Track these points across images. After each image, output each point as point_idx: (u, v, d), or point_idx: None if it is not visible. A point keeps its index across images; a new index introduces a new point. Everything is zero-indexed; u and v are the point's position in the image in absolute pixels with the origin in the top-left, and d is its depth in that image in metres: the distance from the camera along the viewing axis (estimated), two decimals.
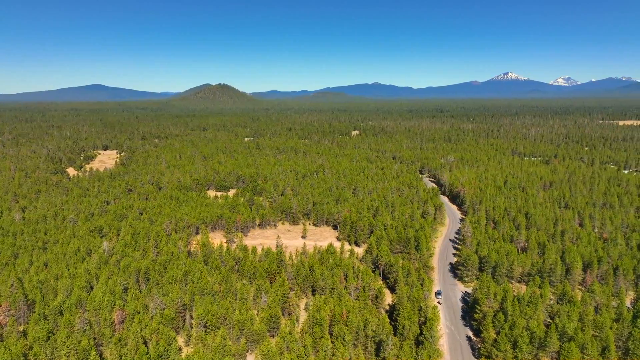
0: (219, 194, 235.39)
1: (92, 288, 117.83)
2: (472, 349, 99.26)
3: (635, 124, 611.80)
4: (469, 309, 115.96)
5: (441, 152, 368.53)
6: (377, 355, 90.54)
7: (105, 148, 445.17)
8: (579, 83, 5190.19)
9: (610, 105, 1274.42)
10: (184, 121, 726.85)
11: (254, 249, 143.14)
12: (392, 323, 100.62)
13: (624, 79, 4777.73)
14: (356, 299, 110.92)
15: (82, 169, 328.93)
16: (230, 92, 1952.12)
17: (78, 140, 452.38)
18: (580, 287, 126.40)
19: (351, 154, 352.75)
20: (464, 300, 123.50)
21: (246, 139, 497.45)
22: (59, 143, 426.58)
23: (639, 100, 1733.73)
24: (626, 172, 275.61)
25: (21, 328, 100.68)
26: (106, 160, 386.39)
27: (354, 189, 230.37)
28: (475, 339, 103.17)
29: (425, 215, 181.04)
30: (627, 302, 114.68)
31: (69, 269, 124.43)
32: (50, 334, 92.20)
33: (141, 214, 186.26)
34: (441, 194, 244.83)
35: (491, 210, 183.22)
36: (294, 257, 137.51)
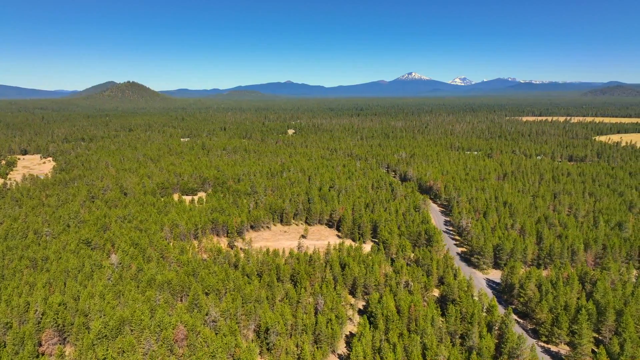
0: (186, 197, 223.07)
1: (118, 306, 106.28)
2: (524, 330, 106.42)
3: (537, 120, 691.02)
4: (502, 294, 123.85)
5: (389, 148, 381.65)
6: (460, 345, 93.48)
7: (24, 152, 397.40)
8: (473, 83, 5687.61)
9: (505, 103, 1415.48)
10: (102, 121, 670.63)
11: (276, 252, 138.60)
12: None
13: (510, 80, 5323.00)
14: (409, 293, 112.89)
15: (7, 176, 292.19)
16: (140, 90, 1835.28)
17: None
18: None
19: (305, 153, 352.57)
20: (489, 287, 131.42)
21: (182, 139, 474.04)
22: None
23: (526, 98, 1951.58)
24: (559, 162, 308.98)
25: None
26: (30, 165, 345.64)
27: (331, 187, 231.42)
28: (522, 321, 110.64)
29: (417, 209, 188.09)
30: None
31: (86, 287, 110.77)
32: None
33: (122, 222, 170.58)
34: None
35: (474, 201, 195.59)
36: (321, 257, 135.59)
